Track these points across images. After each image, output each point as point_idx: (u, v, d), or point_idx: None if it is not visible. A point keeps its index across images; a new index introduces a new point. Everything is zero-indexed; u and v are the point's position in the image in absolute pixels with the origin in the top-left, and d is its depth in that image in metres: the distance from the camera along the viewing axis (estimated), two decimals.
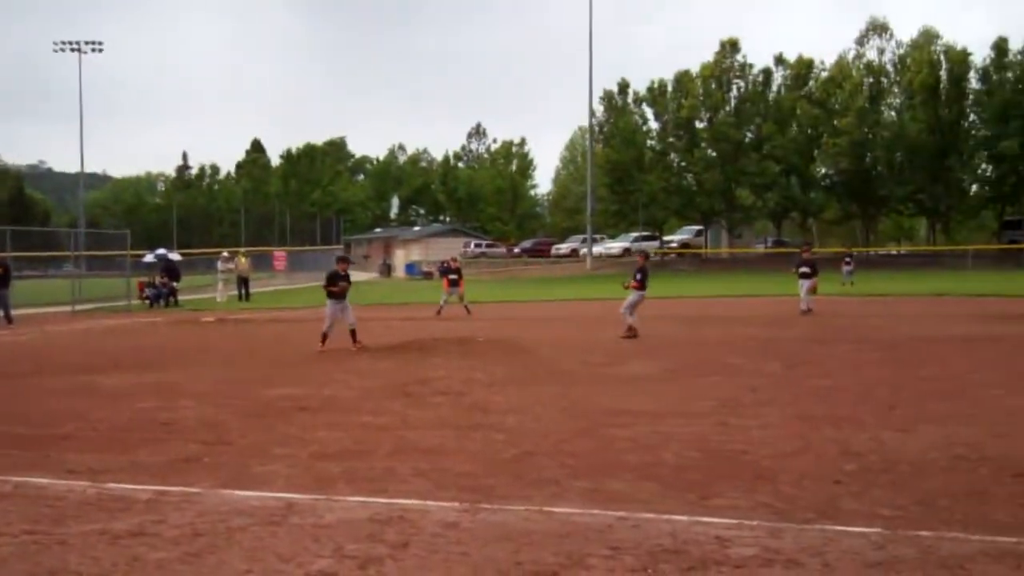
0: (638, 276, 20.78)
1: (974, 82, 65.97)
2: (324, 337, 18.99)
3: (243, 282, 43.43)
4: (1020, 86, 62.38)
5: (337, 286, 19.04)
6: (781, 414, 10.55)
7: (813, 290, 26.81)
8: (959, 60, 64.67)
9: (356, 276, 77.85)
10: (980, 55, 65.87)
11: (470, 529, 6.29)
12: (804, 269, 26.87)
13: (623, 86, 74.99)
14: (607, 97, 75.35)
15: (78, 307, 35.63)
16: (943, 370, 14.40)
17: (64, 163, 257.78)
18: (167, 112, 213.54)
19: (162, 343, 22.72)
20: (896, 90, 70.36)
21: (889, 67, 72.13)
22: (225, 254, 46.28)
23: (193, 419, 10.99)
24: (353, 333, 19.27)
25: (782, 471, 7.80)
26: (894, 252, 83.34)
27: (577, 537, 6.07)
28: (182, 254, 54.02)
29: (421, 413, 11.12)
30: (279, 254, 68.08)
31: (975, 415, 10.35)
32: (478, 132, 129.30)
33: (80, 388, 14.06)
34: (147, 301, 39.57)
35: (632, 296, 20.69)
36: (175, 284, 40.51)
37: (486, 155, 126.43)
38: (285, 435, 9.83)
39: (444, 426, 10.22)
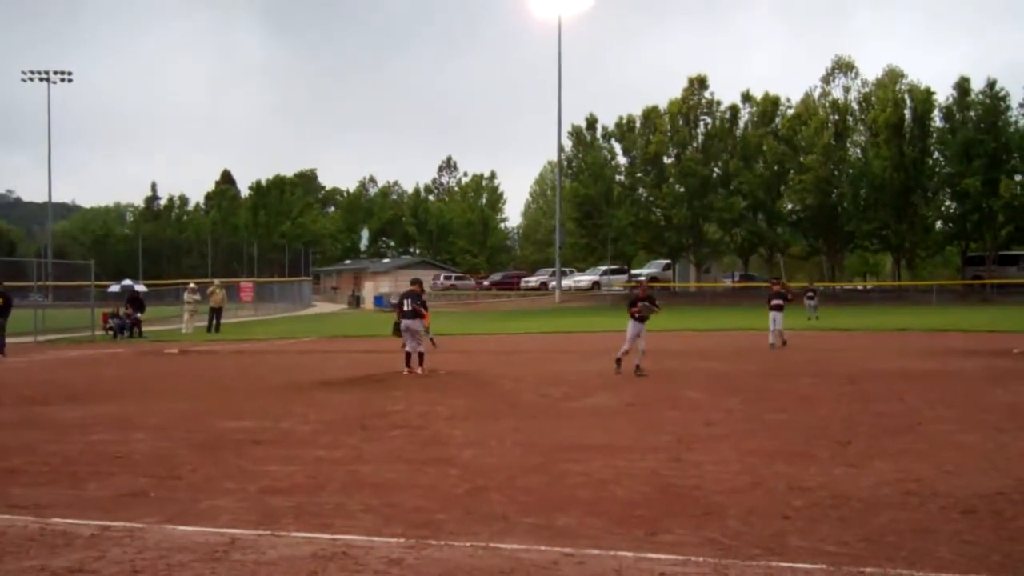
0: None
1: (938, 120, 66.82)
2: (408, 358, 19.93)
3: (215, 313, 43.17)
4: (982, 125, 63.24)
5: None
6: (735, 449, 10.56)
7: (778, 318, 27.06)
8: (923, 99, 65.47)
9: (325, 308, 77.23)
10: (943, 94, 66.86)
11: (414, 566, 6.24)
12: (776, 301, 27.18)
13: (591, 121, 75.43)
14: (576, 132, 75.76)
15: (41, 338, 35.34)
16: (899, 405, 14.46)
17: (33, 193, 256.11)
18: (137, 142, 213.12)
19: (122, 374, 22.51)
20: (861, 128, 71.09)
21: (854, 105, 72.88)
22: (192, 285, 45.98)
23: (145, 452, 10.87)
24: (421, 357, 19.89)
25: (731, 507, 7.80)
26: (860, 287, 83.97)
27: (521, 574, 6.04)
28: (150, 285, 53.60)
29: (376, 447, 11.06)
30: (246, 285, 67.73)
31: (927, 451, 10.39)
32: (449, 165, 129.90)
33: (33, 420, 13.89)
34: (111, 332, 39.27)
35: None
36: (139, 315, 40.21)
37: (456, 188, 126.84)
38: (236, 469, 9.74)
39: (398, 460, 10.15)
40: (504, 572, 6.07)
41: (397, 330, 20.28)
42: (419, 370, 19.62)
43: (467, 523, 7.40)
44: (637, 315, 19.73)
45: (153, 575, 6.09)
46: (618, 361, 19.61)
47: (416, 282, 21.58)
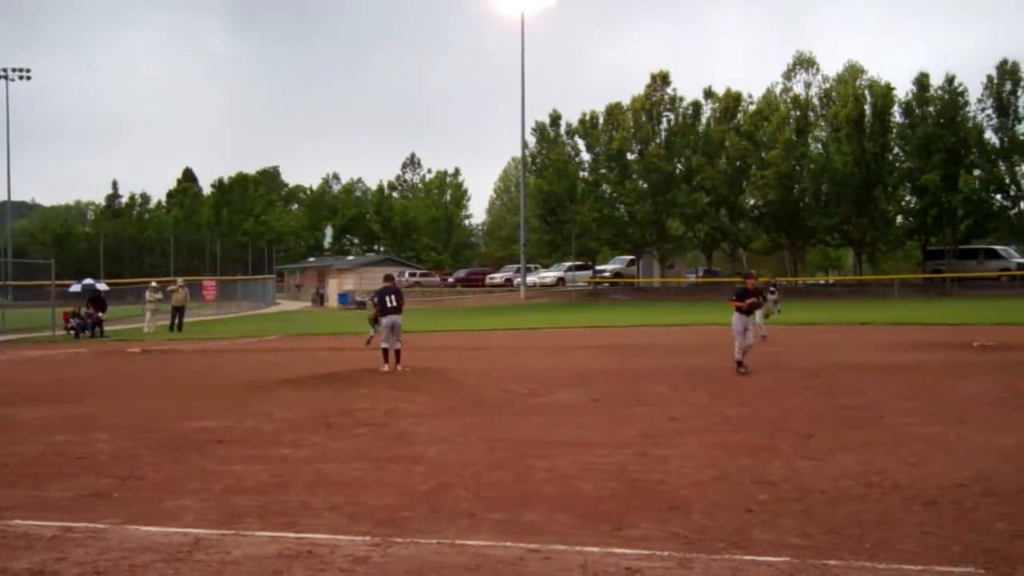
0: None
1: (898, 116, 67.26)
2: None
3: (177, 312, 42.80)
4: (941, 120, 63.69)
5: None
6: (700, 443, 10.62)
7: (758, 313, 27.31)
8: (883, 94, 65.86)
9: (289, 306, 76.79)
10: (903, 90, 67.36)
11: (380, 564, 6.23)
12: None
13: (555, 118, 75.37)
14: (539, 129, 75.68)
15: (1, 338, 34.90)
16: (861, 399, 14.58)
17: None
18: (98, 140, 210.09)
19: (84, 374, 22.29)
20: (822, 123, 71.42)
21: (816, 101, 73.29)
22: (153, 284, 45.55)
23: (107, 452, 10.78)
24: (398, 354, 19.75)
25: (696, 501, 7.84)
26: (822, 281, 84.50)
27: (487, 570, 6.04)
28: (111, 284, 53.05)
29: (342, 445, 11.02)
30: (208, 284, 67.25)
31: (890, 444, 10.49)
32: (413, 162, 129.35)
33: None
34: (72, 332, 38.85)
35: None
36: (101, 315, 39.81)
37: (420, 185, 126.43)
38: (200, 468, 9.68)
39: (364, 458, 10.13)
40: (470, 569, 6.07)
41: (375, 323, 20.36)
42: (398, 367, 19.56)
43: (433, 520, 7.40)
44: (745, 309, 19.27)
45: None
46: (739, 363, 18.80)
47: (390, 278, 21.61)
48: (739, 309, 19.27)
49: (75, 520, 7.54)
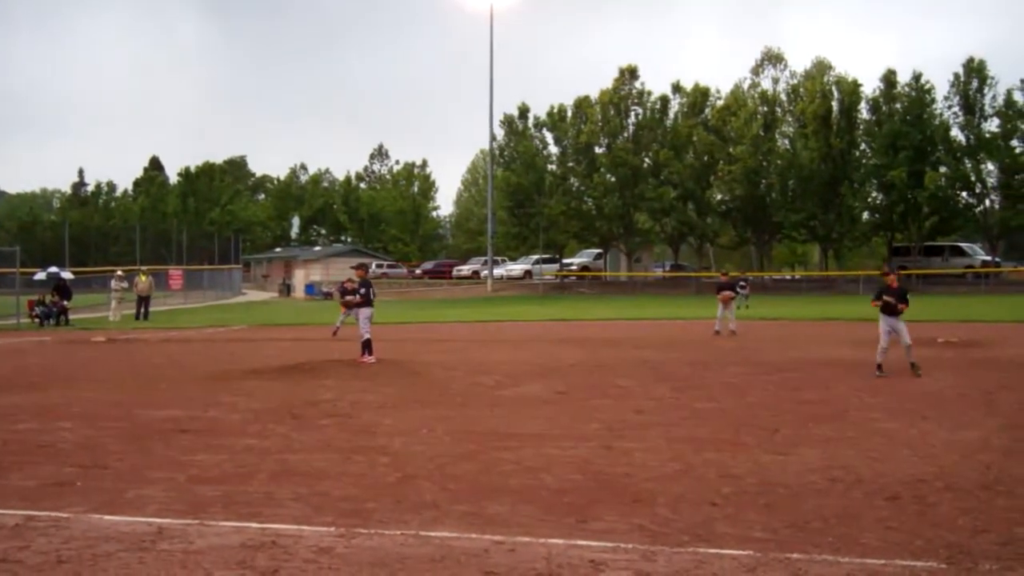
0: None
1: (865, 112, 67.61)
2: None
3: (143, 301, 42.51)
4: (908, 117, 64.04)
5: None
6: (665, 437, 10.66)
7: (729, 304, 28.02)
8: (850, 91, 66.20)
9: (254, 296, 76.42)
10: (870, 86, 67.75)
11: (344, 555, 6.21)
12: (727, 292, 28.01)
13: (523, 111, 75.33)
14: (508, 121, 75.61)
15: None
16: (826, 393, 14.71)
17: None
18: (64, 127, 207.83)
19: (48, 363, 22.09)
20: (790, 119, 71.70)
21: (783, 96, 73.56)
22: (119, 272, 45.19)
23: (71, 441, 10.70)
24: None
25: (661, 494, 7.87)
26: (788, 277, 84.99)
27: (451, 562, 6.04)
28: (76, 272, 52.51)
29: (306, 436, 10.99)
30: (175, 273, 66.82)
31: (854, 438, 10.57)
32: (380, 153, 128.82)
33: None
34: (37, 320, 38.53)
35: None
36: (66, 303, 39.49)
37: (388, 176, 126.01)
38: (164, 458, 9.62)
39: (328, 449, 10.10)
40: (435, 560, 6.07)
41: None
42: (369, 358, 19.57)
43: (397, 511, 7.39)
44: (888, 307, 17.75)
45: (79, 565, 6.00)
46: (879, 366, 17.37)
47: (365, 268, 21.75)
48: (890, 309, 17.79)
49: (38, 509, 7.49)
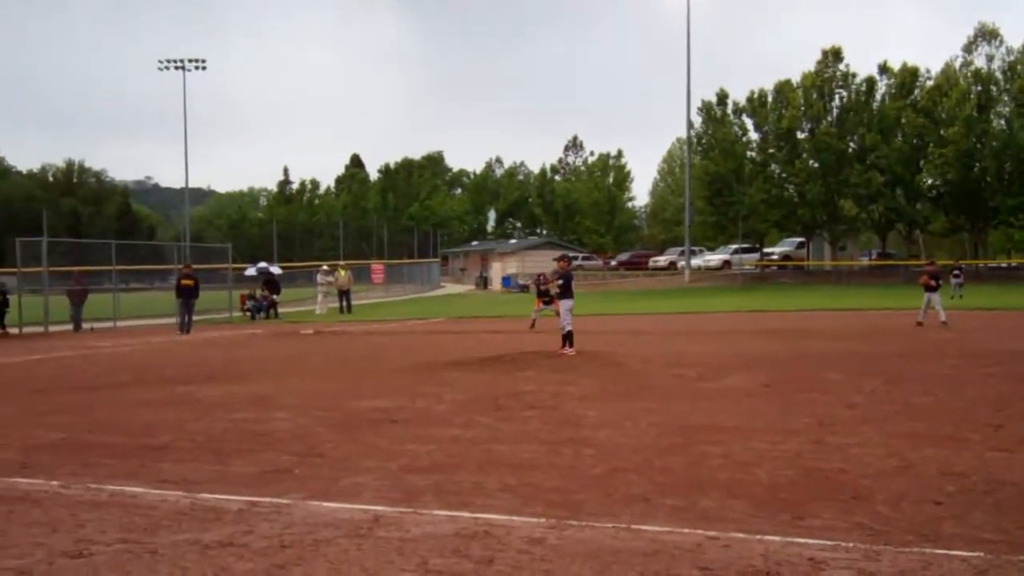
0: None
1: None
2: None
3: (344, 295, 44.01)
4: None
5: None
6: (880, 432, 10.23)
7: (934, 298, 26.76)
8: None
9: (452, 289, 78.05)
10: None
11: (556, 546, 6.19)
12: (933, 282, 26.85)
13: (722, 97, 74.25)
14: (705, 108, 74.68)
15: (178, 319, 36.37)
16: None
17: (170, 179, 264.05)
18: (269, 128, 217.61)
19: (260, 355, 23.07)
20: (1006, 98, 68.27)
21: (999, 75, 70.02)
22: (324, 267, 46.93)
23: (286, 431, 11.09)
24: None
25: (880, 491, 7.54)
26: (1004, 265, 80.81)
27: (665, 556, 5.94)
28: (283, 267, 54.86)
29: (511, 427, 11.06)
30: (377, 267, 68.92)
31: None
32: (575, 145, 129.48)
33: (177, 399, 14.30)
34: (248, 313, 40.37)
35: None
36: (276, 297, 41.23)
37: (583, 167, 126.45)
38: (375, 447, 9.85)
39: (534, 440, 10.14)
40: (647, 554, 5.98)
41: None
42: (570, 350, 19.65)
43: (607, 504, 7.32)
44: None
45: (301, 550, 6.19)
46: None
47: (567, 258, 22.08)
48: None
49: (260, 495, 7.76)
